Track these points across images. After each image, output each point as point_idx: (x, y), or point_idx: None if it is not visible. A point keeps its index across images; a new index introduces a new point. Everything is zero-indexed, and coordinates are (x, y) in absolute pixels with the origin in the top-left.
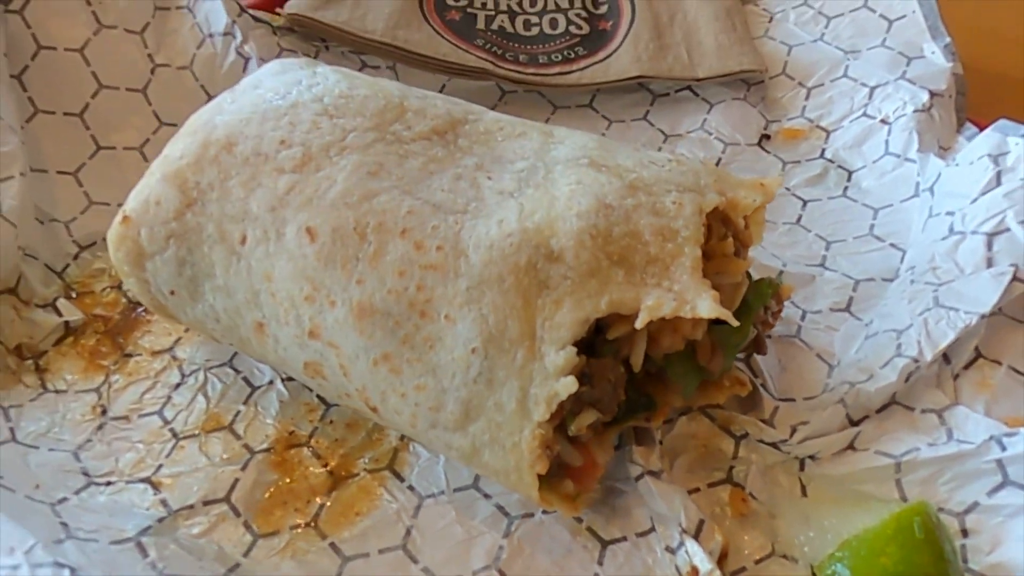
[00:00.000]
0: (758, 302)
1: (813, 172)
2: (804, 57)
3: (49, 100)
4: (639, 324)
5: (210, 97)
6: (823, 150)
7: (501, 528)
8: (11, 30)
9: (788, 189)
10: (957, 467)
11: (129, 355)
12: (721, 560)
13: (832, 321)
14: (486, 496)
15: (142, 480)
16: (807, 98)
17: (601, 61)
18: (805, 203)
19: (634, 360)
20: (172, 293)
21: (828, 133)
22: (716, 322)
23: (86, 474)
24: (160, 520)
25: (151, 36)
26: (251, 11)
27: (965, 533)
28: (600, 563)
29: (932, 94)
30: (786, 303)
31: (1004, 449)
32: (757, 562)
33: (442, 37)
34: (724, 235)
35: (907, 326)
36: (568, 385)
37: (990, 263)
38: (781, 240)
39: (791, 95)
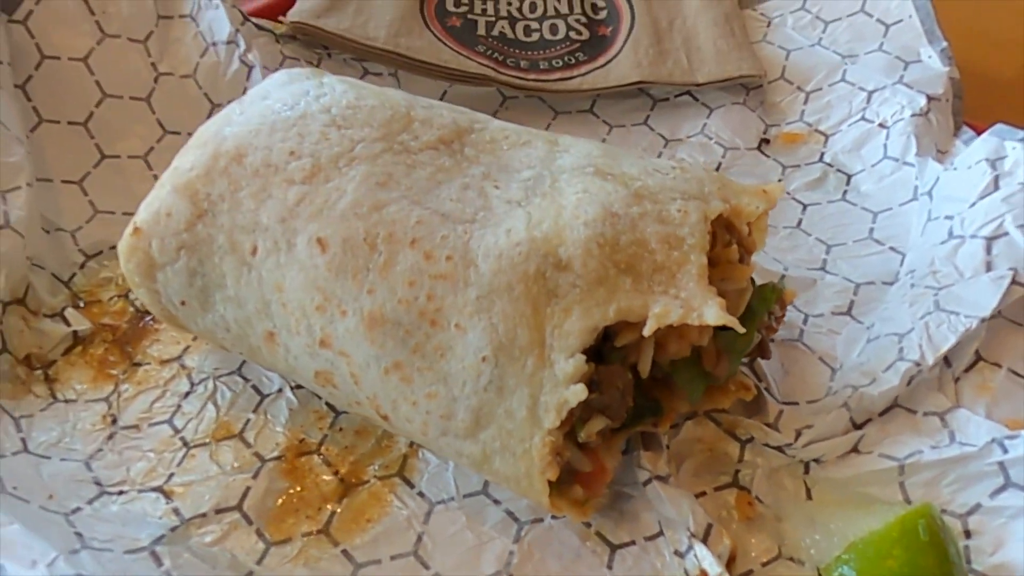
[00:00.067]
0: (762, 307)
1: (812, 176)
2: (802, 61)
3: (53, 109)
4: (647, 332)
5: (214, 105)
6: (822, 154)
7: (511, 533)
8: (15, 40)
9: (788, 193)
10: (960, 469)
11: (138, 364)
12: (729, 564)
13: (834, 325)
14: (495, 502)
15: (154, 489)
16: (805, 102)
17: (601, 67)
18: (805, 207)
19: (642, 366)
20: (183, 303)
21: (827, 137)
22: (722, 328)
23: (98, 483)
24: (173, 529)
25: (154, 45)
26: (254, 19)
27: (968, 534)
28: (609, 567)
29: (929, 98)
30: (788, 307)
31: (1006, 452)
32: (764, 565)
33: (443, 44)
34: (728, 242)
35: (908, 330)
36: (578, 392)
37: (989, 267)
38: (782, 244)
39: (790, 99)
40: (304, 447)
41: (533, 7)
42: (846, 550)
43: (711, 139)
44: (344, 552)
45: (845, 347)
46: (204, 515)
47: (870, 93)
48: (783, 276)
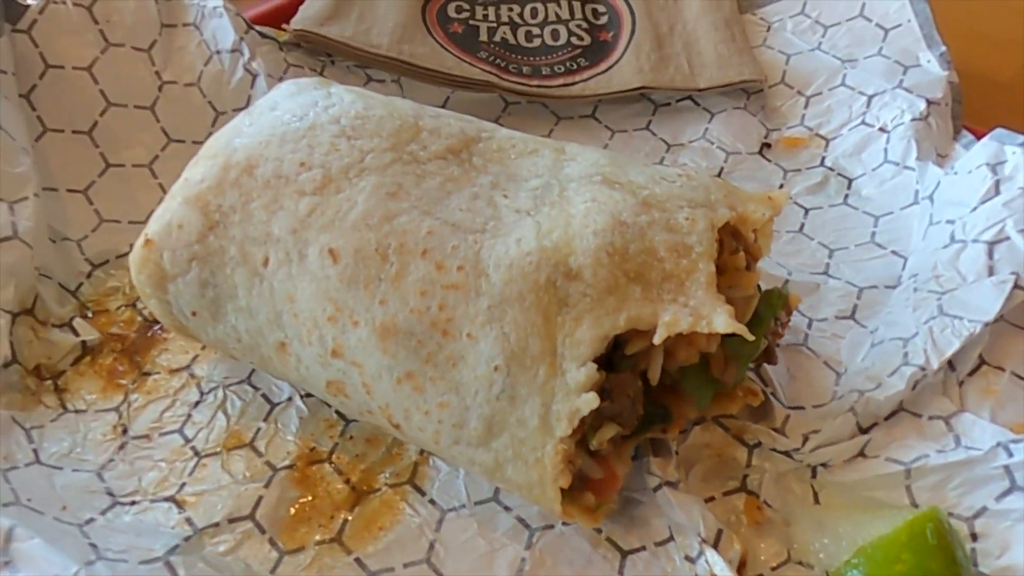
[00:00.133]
0: (769, 314)
1: (814, 180)
2: (802, 66)
3: (58, 118)
4: (657, 340)
5: (218, 113)
6: (823, 158)
7: (522, 540)
8: (19, 50)
9: (790, 197)
10: (966, 473)
11: (147, 373)
12: (740, 569)
13: (838, 329)
14: (506, 509)
15: (166, 499)
16: (806, 107)
17: (603, 72)
18: (807, 211)
19: (651, 374)
20: (194, 314)
21: (827, 141)
22: (729, 334)
23: (110, 494)
24: (187, 539)
25: (158, 53)
26: (258, 28)
27: (975, 537)
28: (620, 573)
29: (929, 102)
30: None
31: (1011, 455)
32: (774, 569)
33: (446, 50)
34: (735, 249)
35: (913, 334)
36: (590, 401)
37: (991, 271)
38: (785, 248)
39: (790, 103)
40: (315, 456)
41: (534, 12)
42: (855, 554)
43: (713, 144)
44: (357, 560)
45: (849, 351)
46: (217, 525)
47: (870, 97)
48: (787, 281)
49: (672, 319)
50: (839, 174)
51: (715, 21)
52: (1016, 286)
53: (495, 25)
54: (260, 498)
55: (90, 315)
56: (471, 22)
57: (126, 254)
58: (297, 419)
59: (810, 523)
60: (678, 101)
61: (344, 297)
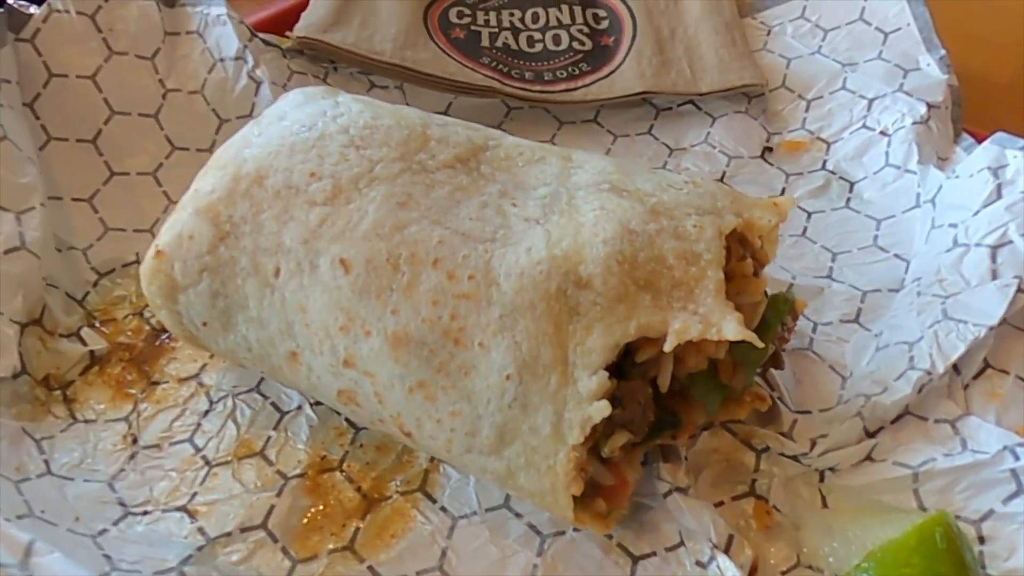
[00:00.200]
0: (776, 319)
1: (816, 184)
2: (803, 70)
3: (62, 127)
4: (668, 348)
5: (222, 121)
6: (824, 162)
7: (534, 547)
8: (22, 59)
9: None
10: (972, 476)
11: (156, 383)
12: (752, 573)
13: (842, 333)
14: (517, 515)
15: (178, 509)
16: (807, 110)
17: (605, 77)
18: (809, 215)
19: (661, 381)
20: (204, 324)
21: (829, 145)
22: (737, 340)
23: (122, 504)
24: (199, 549)
25: (162, 61)
26: (261, 35)
27: (982, 540)
28: None
29: (929, 106)
30: None
31: (1017, 459)
32: (783, 573)
33: (449, 56)
34: (742, 256)
35: (918, 338)
36: (602, 409)
37: (995, 275)
38: (788, 252)
39: (791, 107)
40: (326, 464)
41: (535, 17)
42: (865, 558)
43: (715, 148)
44: (370, 568)
45: (854, 355)
46: (229, 534)
47: (870, 101)
48: (791, 285)
49: (682, 327)
50: (841, 178)
51: (716, 25)
52: (1019, 290)
53: (496, 30)
54: (272, 507)
55: (97, 324)
56: (473, 27)
57: (132, 263)
58: (307, 427)
59: (819, 527)
60: (680, 105)
61: (356, 307)
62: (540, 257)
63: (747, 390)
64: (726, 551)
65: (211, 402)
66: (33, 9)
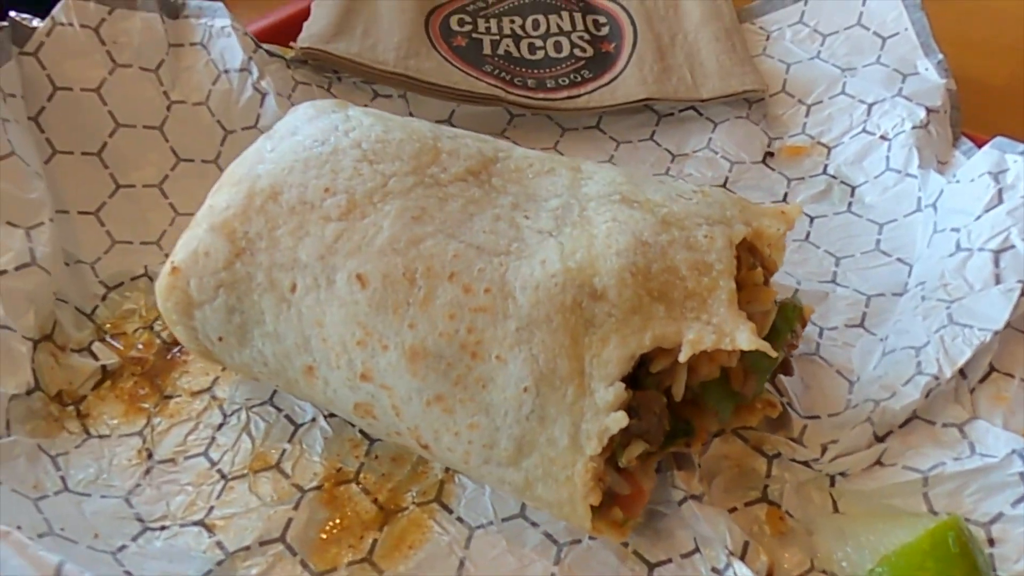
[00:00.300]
0: (786, 327)
1: (818, 188)
2: (802, 75)
3: (67, 140)
4: (683, 358)
5: (227, 132)
6: (825, 166)
7: (551, 555)
8: (26, 72)
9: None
10: (982, 480)
11: (168, 396)
12: None
13: (848, 337)
14: (534, 524)
15: (195, 523)
16: (807, 115)
17: (607, 84)
18: (812, 220)
19: (675, 390)
20: (220, 339)
21: (829, 149)
22: None
23: (140, 519)
24: (219, 563)
25: (166, 73)
26: (266, 46)
27: (992, 543)
28: None
29: (928, 110)
30: None
31: None
32: None
33: (452, 65)
34: (752, 265)
35: (924, 343)
36: (619, 420)
37: (998, 279)
38: (792, 257)
39: (791, 112)
40: (342, 476)
41: (536, 24)
42: (879, 563)
43: (717, 153)
44: None
45: (861, 359)
46: (248, 548)
47: (870, 105)
48: (796, 290)
49: (696, 337)
50: (842, 182)
51: (716, 31)
52: (1023, 294)
53: (498, 38)
54: (290, 520)
55: (108, 338)
56: (474, 35)
57: (140, 276)
58: (322, 439)
59: (832, 532)
60: (681, 111)
61: (373, 321)
62: (555, 270)
63: (758, 397)
64: (742, 558)
65: (225, 415)
66: (36, 22)
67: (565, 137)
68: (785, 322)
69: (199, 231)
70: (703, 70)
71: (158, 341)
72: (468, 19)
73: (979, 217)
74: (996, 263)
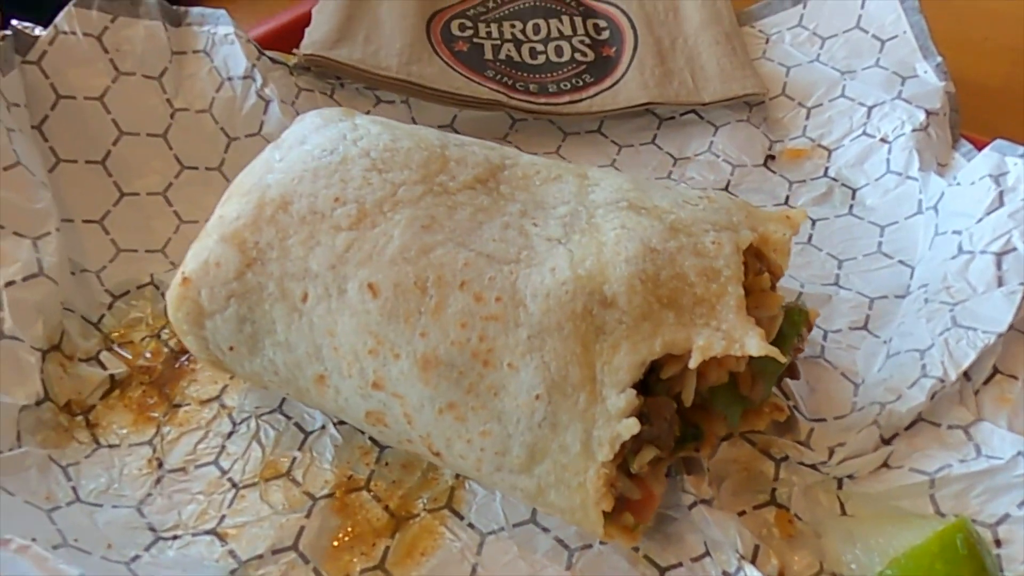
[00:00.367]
0: (793, 332)
1: (819, 191)
2: (802, 78)
3: (71, 149)
4: (693, 364)
5: (231, 140)
6: (826, 169)
7: (563, 561)
8: (29, 81)
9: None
10: (988, 481)
11: (177, 405)
12: None
13: (852, 340)
14: (545, 530)
15: (208, 532)
16: (807, 118)
17: (609, 88)
18: (814, 222)
19: (685, 396)
20: (231, 349)
21: (830, 152)
22: None
23: (152, 529)
24: (232, 572)
25: (169, 81)
26: (269, 53)
27: (999, 544)
28: None
29: (928, 113)
30: None
31: None
32: None
33: (454, 70)
34: (759, 270)
35: (929, 346)
36: (631, 426)
37: (1001, 282)
38: (795, 260)
39: (792, 115)
40: (353, 483)
41: (536, 29)
42: (888, 565)
43: (718, 157)
44: None
45: (865, 362)
46: (261, 556)
47: (870, 108)
48: (800, 293)
49: (706, 343)
50: (843, 184)
51: (716, 35)
52: None
53: (499, 43)
54: (302, 528)
55: (115, 347)
56: (475, 40)
57: (146, 284)
58: (332, 447)
59: (840, 534)
60: (682, 115)
61: (385, 330)
62: (565, 277)
63: (765, 401)
64: (752, 561)
65: (234, 424)
66: (39, 31)
67: (567, 141)
68: (792, 327)
69: (209, 241)
70: (704, 74)
71: (166, 349)
72: (469, 23)
73: (980, 220)
74: (998, 266)
